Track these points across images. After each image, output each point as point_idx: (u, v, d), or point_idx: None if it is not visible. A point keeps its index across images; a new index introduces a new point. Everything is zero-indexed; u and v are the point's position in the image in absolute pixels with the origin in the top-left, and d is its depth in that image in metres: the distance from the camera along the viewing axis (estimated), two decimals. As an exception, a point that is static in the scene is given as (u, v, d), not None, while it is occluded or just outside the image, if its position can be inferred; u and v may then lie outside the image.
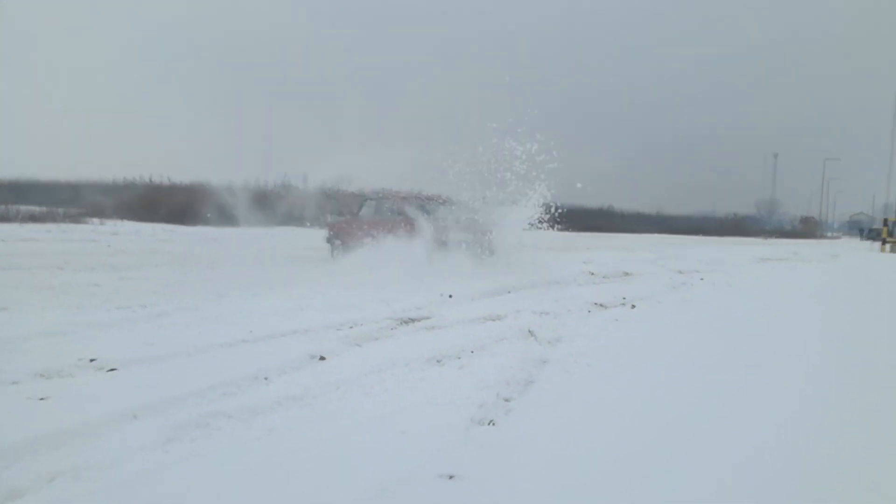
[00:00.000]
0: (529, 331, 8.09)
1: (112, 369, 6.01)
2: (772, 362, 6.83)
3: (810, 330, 9.04)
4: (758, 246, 41.39)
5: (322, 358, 6.61)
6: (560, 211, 16.24)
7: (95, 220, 33.46)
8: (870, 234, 55.19)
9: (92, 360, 6.14)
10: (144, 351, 6.61)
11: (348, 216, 20.64)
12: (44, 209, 34.43)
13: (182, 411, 4.85)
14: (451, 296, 11.37)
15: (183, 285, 12.01)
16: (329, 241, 20.48)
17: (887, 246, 34.62)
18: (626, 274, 16.65)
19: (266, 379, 5.79)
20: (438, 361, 6.68)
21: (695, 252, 28.93)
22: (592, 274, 15.96)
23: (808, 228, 73.24)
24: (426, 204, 19.70)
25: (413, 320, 9.09)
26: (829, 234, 76.18)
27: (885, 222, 36.29)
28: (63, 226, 29.61)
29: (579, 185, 17.87)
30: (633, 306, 10.60)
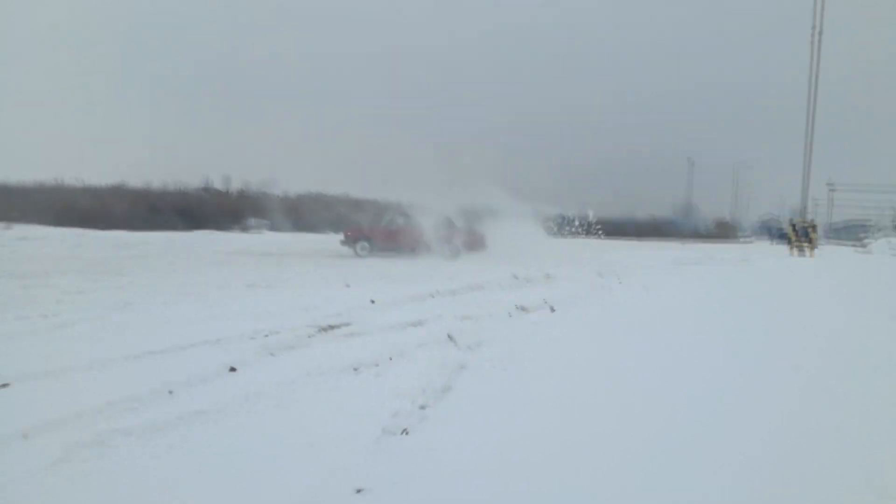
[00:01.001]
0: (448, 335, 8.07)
1: (4, 385, 5.64)
2: (679, 362, 7.06)
3: (711, 332, 9.38)
4: (675, 249, 42.90)
5: (233, 369, 6.39)
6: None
7: (1, 224, 31.59)
8: (780, 236, 56.45)
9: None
10: (41, 364, 6.23)
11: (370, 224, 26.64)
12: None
13: (77, 430, 4.58)
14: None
15: (89, 293, 11.42)
16: (347, 243, 25.72)
17: (794, 249, 34.94)
18: (548, 277, 16.88)
19: (171, 393, 5.54)
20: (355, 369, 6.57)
21: (615, 256, 29.70)
22: (516, 277, 16.12)
23: (722, 231, 76.50)
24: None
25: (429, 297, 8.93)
26: (741, 237, 79.84)
27: (793, 225, 36.47)
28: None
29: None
30: (553, 310, 10.74)
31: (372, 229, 26.00)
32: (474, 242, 26.06)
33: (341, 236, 26.45)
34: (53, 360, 6.39)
